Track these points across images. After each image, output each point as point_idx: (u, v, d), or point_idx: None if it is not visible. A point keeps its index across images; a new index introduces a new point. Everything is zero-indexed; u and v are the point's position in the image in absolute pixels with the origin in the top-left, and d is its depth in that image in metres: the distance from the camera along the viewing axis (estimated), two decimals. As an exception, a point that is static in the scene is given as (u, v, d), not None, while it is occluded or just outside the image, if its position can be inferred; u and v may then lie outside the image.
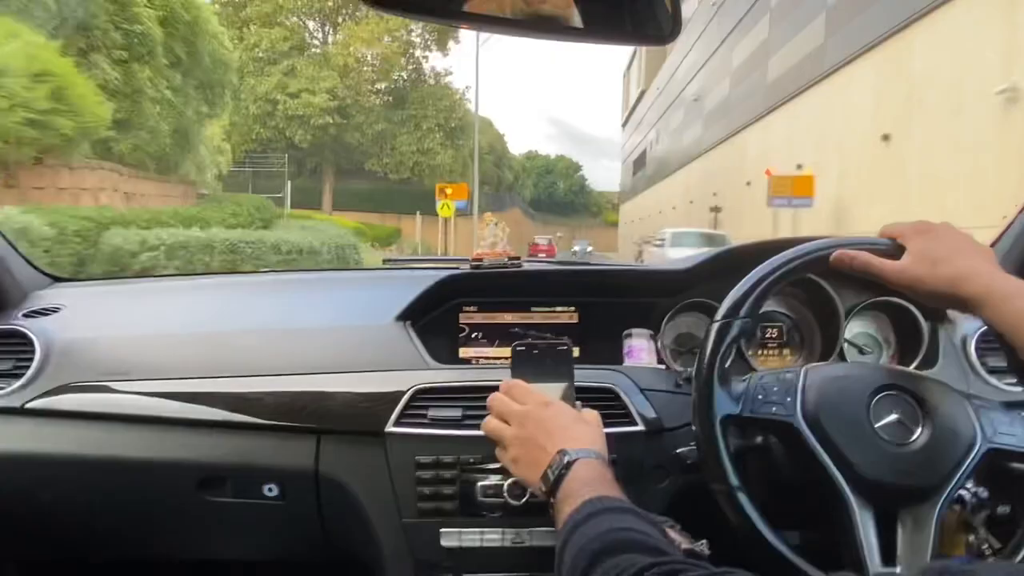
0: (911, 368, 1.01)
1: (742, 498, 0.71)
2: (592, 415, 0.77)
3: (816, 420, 0.71)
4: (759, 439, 0.77)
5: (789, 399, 0.73)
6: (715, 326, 0.78)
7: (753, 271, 0.78)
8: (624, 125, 58.21)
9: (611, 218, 77.01)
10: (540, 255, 32.87)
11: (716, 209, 20.38)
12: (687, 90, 30.48)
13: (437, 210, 14.82)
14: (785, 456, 0.74)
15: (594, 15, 0.79)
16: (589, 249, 35.05)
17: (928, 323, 1.06)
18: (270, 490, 0.98)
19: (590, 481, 0.65)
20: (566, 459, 0.68)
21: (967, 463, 0.68)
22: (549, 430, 0.72)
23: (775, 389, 0.75)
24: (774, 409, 0.74)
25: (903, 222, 0.72)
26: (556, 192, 77.63)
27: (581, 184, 78.92)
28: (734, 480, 0.72)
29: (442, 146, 24.56)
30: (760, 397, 0.75)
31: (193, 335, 1.06)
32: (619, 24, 0.81)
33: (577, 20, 0.79)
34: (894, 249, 0.71)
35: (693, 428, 0.76)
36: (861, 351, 1.11)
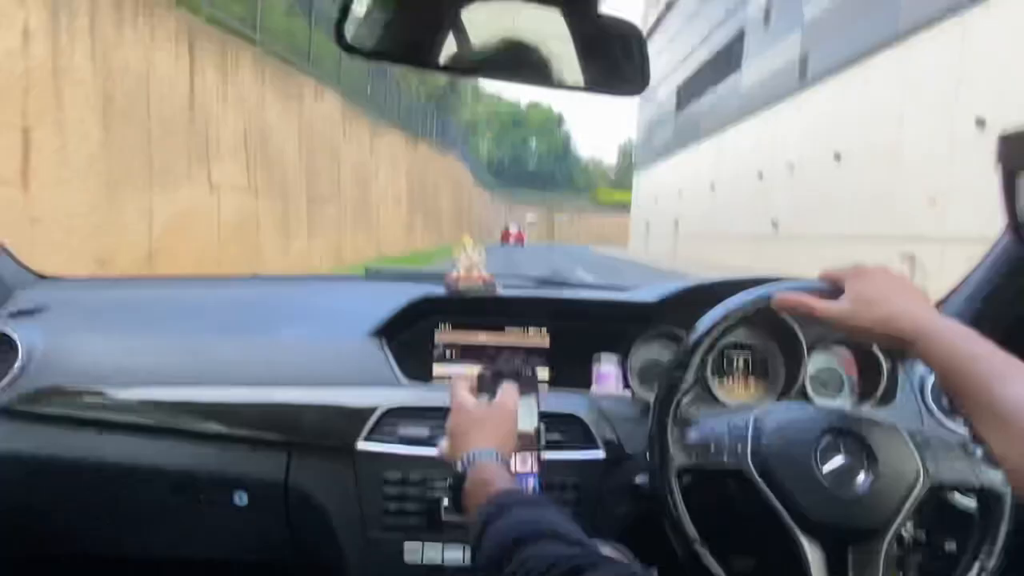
0: (869, 405, 1.26)
1: (703, 552, 0.87)
2: (501, 405, 0.89)
3: (765, 466, 0.86)
4: (715, 487, 0.94)
5: (740, 447, 0.88)
6: (664, 381, 0.95)
7: (699, 323, 0.95)
8: (648, 35, 34.27)
9: (606, 197, 63.55)
10: (510, 241, 34.04)
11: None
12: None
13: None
14: (739, 501, 0.91)
15: (569, 67, 0.95)
16: None
17: (888, 360, 1.25)
18: (240, 498, 1.15)
19: (487, 480, 0.77)
20: (460, 467, 0.82)
21: (910, 500, 0.84)
22: (455, 438, 0.87)
23: (726, 438, 0.90)
24: (726, 458, 0.89)
25: (842, 267, 0.86)
26: (526, 154, 63.17)
27: (563, 145, 55.53)
28: (693, 532, 0.88)
29: None
30: (713, 447, 0.90)
31: (173, 343, 1.26)
32: (595, 76, 0.96)
33: (556, 70, 0.95)
34: (832, 291, 0.84)
35: (648, 479, 0.94)
36: (823, 384, 1.31)
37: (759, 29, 22.88)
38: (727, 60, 25.65)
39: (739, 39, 24.72)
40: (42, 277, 1.45)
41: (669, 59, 35.80)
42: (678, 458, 0.89)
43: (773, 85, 20.84)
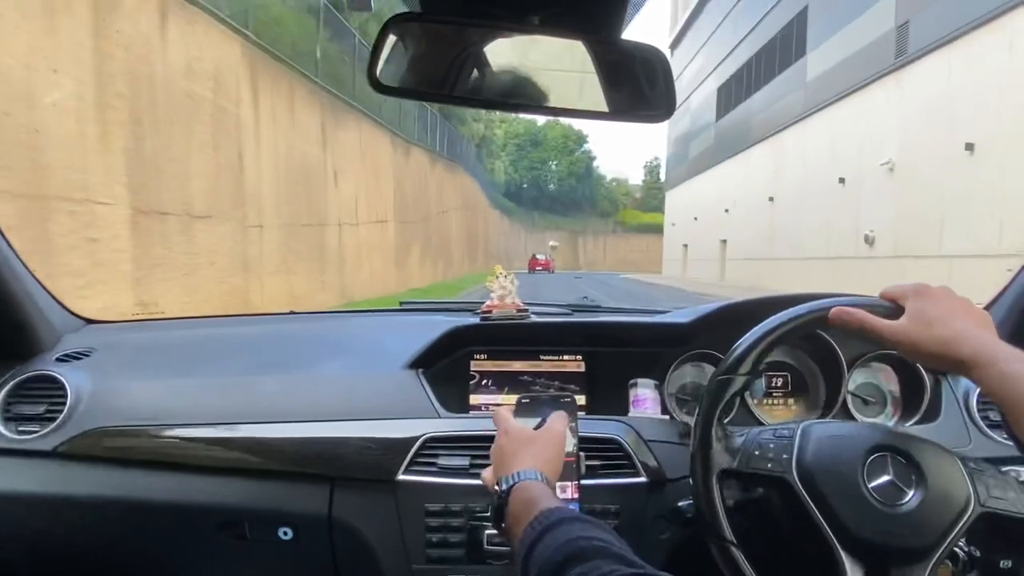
0: (913, 421, 1.25)
1: (736, 553, 0.86)
2: (550, 430, 0.92)
3: (810, 478, 0.84)
4: (755, 493, 0.93)
5: (785, 456, 0.87)
6: (715, 381, 0.94)
7: (755, 328, 0.93)
8: (674, 46, 39.02)
9: (632, 218, 61.37)
10: (538, 268, 34.55)
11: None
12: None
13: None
14: (780, 511, 0.89)
15: (593, 95, 0.95)
16: None
17: (931, 376, 1.26)
18: (285, 533, 1.17)
19: (532, 500, 0.78)
20: (503, 486, 0.83)
21: (959, 526, 0.81)
22: (500, 460, 0.88)
23: (771, 445, 0.89)
24: (769, 465, 0.87)
25: (904, 284, 0.86)
26: (546, 176, 60.09)
27: (587, 165, 52.70)
28: (728, 534, 0.87)
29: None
30: (757, 452, 0.89)
31: (216, 382, 1.30)
32: (620, 104, 0.97)
33: (580, 100, 0.96)
34: (892, 310, 0.84)
35: (691, 481, 0.93)
36: (865, 402, 1.31)
37: (828, 2, 19.11)
38: (785, 48, 22.10)
39: (800, 19, 21.00)
40: (89, 321, 1.50)
41: (704, 62, 33.26)
42: (721, 461, 0.90)
43: (856, 67, 16.97)
